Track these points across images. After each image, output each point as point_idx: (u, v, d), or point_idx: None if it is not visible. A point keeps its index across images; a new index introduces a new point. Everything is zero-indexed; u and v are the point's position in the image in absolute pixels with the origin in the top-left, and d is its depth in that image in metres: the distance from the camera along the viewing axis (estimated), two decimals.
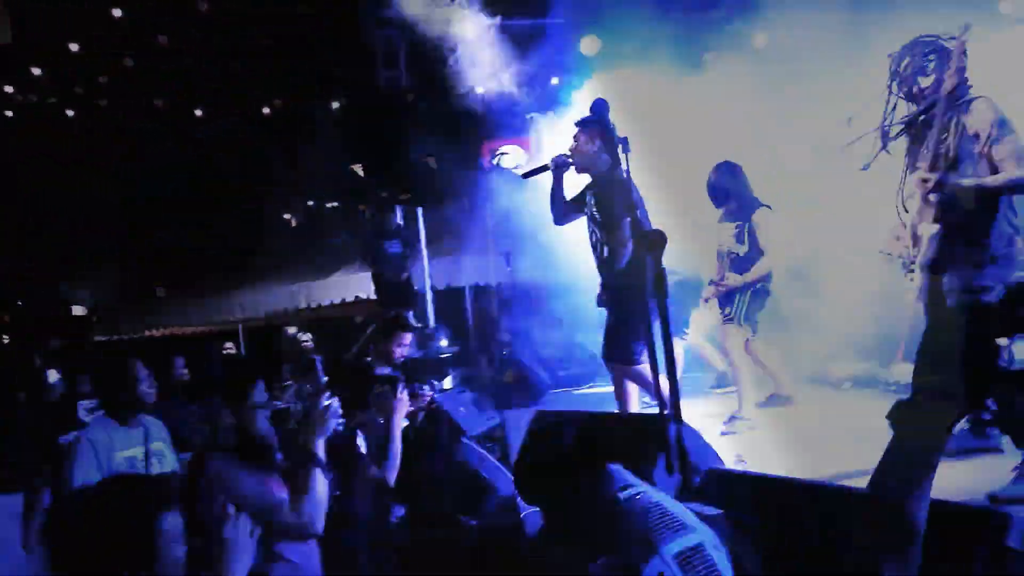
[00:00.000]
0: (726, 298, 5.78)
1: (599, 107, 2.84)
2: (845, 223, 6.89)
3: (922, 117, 3.57)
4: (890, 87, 3.62)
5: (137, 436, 3.84)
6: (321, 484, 2.92)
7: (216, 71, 10.59)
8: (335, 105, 11.75)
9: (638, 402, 4.90)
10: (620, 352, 4.73)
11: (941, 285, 3.40)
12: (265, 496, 2.82)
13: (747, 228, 5.70)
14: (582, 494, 2.13)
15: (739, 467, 3.84)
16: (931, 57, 3.52)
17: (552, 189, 5.03)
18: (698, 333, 7.21)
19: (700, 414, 5.94)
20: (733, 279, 5.70)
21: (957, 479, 3.37)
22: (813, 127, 7.66)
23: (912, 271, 3.66)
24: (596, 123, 4.70)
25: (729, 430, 5.42)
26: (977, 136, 3.36)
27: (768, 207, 5.75)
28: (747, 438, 5.25)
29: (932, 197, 3.44)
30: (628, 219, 4.14)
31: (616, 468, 2.09)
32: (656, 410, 2.87)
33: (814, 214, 7.06)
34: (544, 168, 4.97)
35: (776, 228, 5.74)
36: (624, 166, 2.72)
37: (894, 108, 3.65)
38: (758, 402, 5.82)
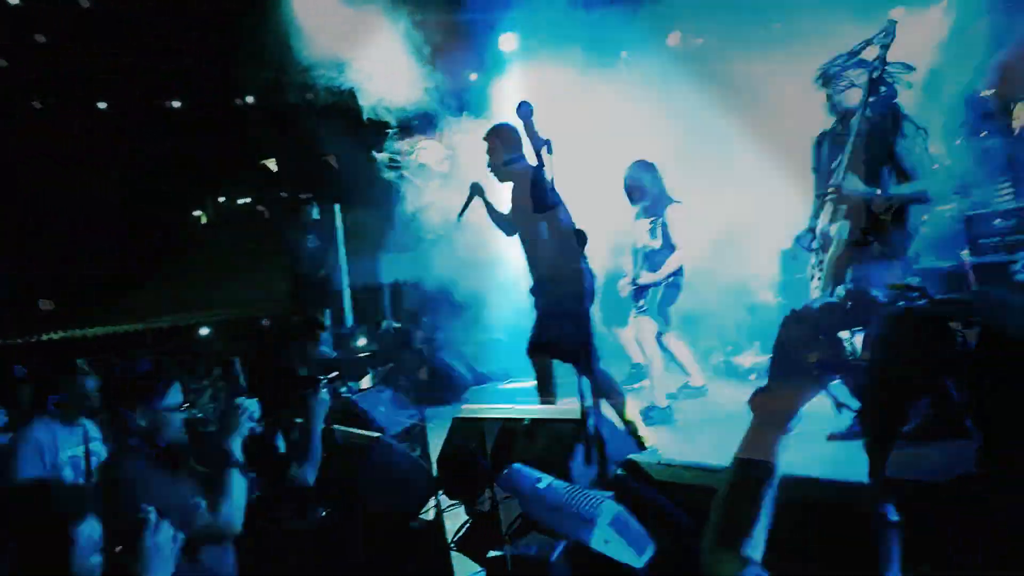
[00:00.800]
0: (639, 292, 5.94)
1: (524, 110, 2.89)
2: (754, 218, 7.19)
3: (840, 127, 3.82)
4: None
5: (78, 436, 3.83)
6: (238, 485, 2.88)
7: (118, 67, 10.19)
8: (241, 102, 11.46)
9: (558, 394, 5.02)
10: (550, 344, 4.84)
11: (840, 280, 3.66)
12: (182, 499, 2.76)
13: (660, 223, 5.88)
14: (500, 491, 2.18)
15: (654, 457, 3.96)
16: (848, 72, 3.78)
17: (488, 211, 5.19)
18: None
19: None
20: (647, 276, 5.86)
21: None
22: (725, 123, 7.97)
23: (821, 270, 3.92)
24: (506, 127, 4.92)
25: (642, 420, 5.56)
26: (889, 143, 3.63)
27: (679, 203, 5.93)
28: (661, 429, 5.41)
29: (842, 203, 3.71)
30: (547, 219, 4.36)
31: (519, 466, 2.17)
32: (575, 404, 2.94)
33: (724, 209, 7.32)
34: (470, 199, 5.11)
35: (687, 223, 5.92)
36: (548, 167, 2.78)
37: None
38: (669, 393, 6.00)
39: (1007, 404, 1.05)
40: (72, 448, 3.84)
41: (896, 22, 3.65)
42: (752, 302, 7.47)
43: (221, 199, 16.37)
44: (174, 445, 2.92)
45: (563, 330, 4.53)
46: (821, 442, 3.98)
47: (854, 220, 3.79)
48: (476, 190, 5.14)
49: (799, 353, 1.47)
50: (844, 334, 1.46)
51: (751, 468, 1.46)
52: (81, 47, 9.61)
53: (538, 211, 4.60)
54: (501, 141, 4.99)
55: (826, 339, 1.44)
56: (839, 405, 1.50)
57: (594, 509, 1.90)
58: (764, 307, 7.33)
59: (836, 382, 1.50)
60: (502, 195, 5.23)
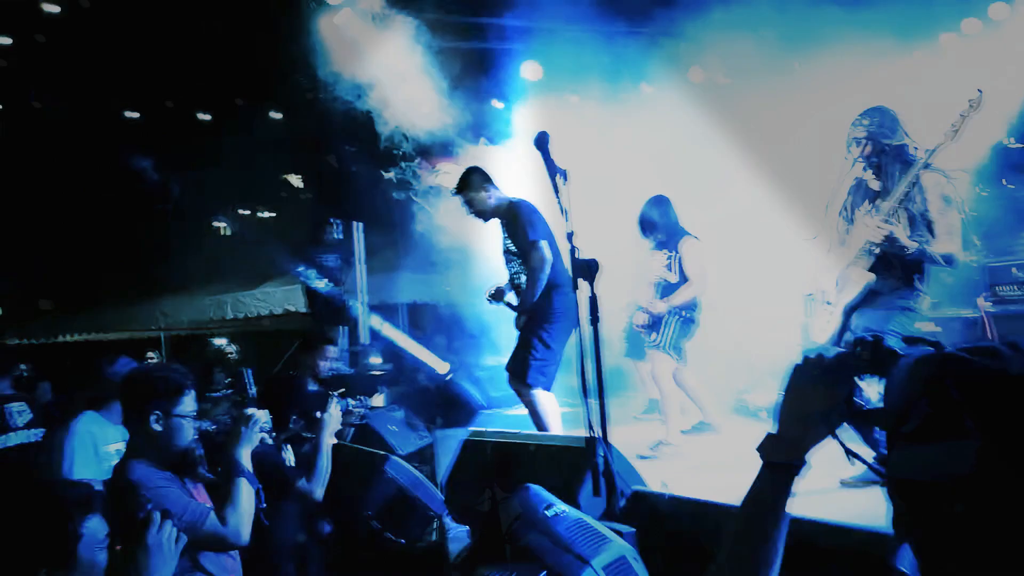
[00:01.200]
0: (654, 325, 5.92)
1: (540, 139, 2.95)
2: (769, 257, 7.19)
3: (877, 180, 3.86)
4: (850, 153, 3.93)
5: (119, 431, 3.87)
6: (247, 495, 2.90)
7: (149, 72, 10.38)
8: (273, 116, 11.64)
9: (557, 422, 5.11)
10: (519, 374, 5.11)
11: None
12: (190, 504, 2.79)
13: (676, 257, 5.88)
14: (508, 513, 2.18)
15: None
16: (878, 124, 3.82)
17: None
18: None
19: (624, 440, 6.07)
20: (659, 305, 5.84)
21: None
22: (746, 159, 8.01)
23: (831, 312, 3.93)
24: (477, 174, 5.38)
25: (654, 455, 5.54)
26: (925, 203, 3.68)
27: (695, 237, 5.94)
28: (672, 464, 5.38)
29: (876, 249, 3.73)
30: (538, 248, 4.92)
31: (536, 488, 2.16)
32: (583, 433, 2.94)
33: (742, 246, 7.32)
34: (502, 303, 5.47)
35: (703, 258, 5.93)
36: (565, 197, 2.82)
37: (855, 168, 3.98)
38: (683, 429, 5.97)
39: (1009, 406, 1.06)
40: (114, 442, 3.95)
41: (982, 93, 3.65)
42: (770, 340, 7.44)
43: (244, 211, 16.55)
44: (186, 451, 2.94)
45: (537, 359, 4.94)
46: (834, 488, 3.97)
47: (877, 268, 3.81)
48: (493, 294, 5.51)
49: (809, 400, 1.48)
50: (858, 382, 1.46)
51: (759, 512, 1.46)
52: (113, 55, 9.80)
53: (522, 241, 5.08)
54: (475, 192, 5.32)
55: (837, 387, 1.45)
56: (849, 453, 1.50)
57: (595, 548, 1.89)
58: (781, 346, 7.30)
59: (846, 430, 1.50)
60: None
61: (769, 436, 1.52)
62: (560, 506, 2.08)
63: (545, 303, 5.02)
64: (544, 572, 2.01)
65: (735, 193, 7.87)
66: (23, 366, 5.65)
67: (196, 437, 3.03)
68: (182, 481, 2.89)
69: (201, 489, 2.99)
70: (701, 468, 5.27)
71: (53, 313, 14.26)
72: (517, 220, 5.10)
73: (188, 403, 2.98)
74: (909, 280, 3.81)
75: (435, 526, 4.14)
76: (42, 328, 13.53)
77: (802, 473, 1.47)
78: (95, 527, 2.26)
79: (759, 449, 1.52)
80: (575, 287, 2.71)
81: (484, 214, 5.36)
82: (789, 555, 1.40)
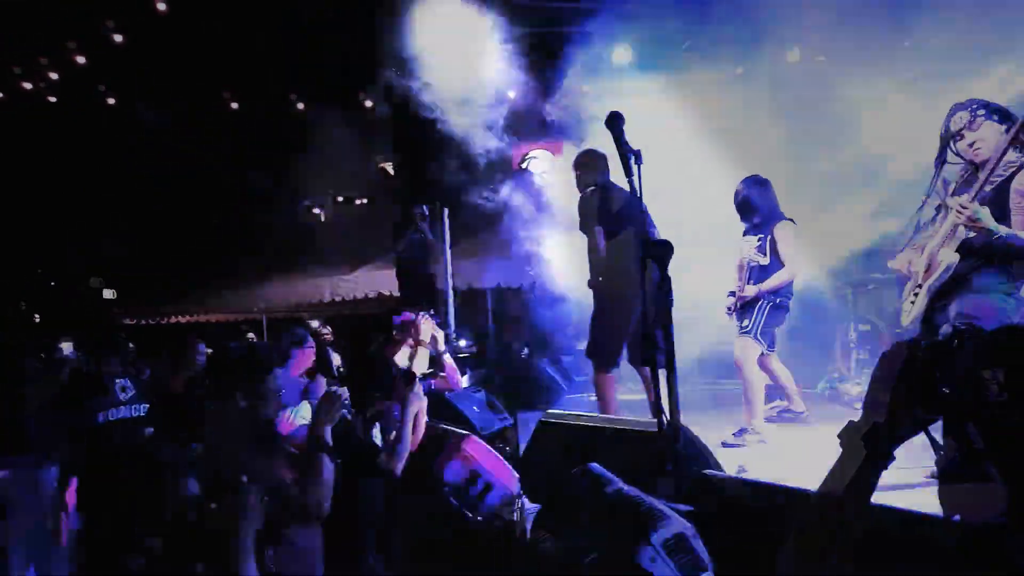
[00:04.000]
0: (745, 311, 5.79)
1: (613, 119, 2.92)
2: (861, 245, 6.92)
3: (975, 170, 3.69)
4: (944, 148, 3.79)
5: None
6: (328, 469, 3.02)
7: (245, 64, 10.82)
8: (368, 104, 11.91)
9: (615, 402, 5.56)
10: (593, 356, 5.48)
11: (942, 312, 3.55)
12: (273, 471, 2.93)
13: (769, 240, 5.73)
14: (571, 490, 2.21)
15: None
16: (981, 114, 3.64)
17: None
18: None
19: (708, 425, 6.04)
20: (751, 289, 5.71)
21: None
22: (842, 144, 7.71)
23: (916, 295, 3.76)
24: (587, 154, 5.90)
25: (737, 443, 5.45)
26: (1021, 194, 3.49)
27: (792, 220, 5.78)
28: (754, 451, 5.29)
29: (963, 230, 3.57)
30: (599, 230, 5.39)
31: (596, 466, 2.18)
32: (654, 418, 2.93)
33: (838, 230, 7.08)
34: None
35: (797, 243, 5.77)
36: (636, 179, 2.80)
37: (943, 163, 3.83)
38: (768, 416, 5.84)
39: None
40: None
41: None
42: (862, 328, 7.19)
43: (340, 198, 17.03)
44: (269, 425, 3.09)
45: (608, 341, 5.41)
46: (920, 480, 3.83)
47: (967, 251, 3.62)
48: None
49: (898, 390, 1.42)
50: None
51: (838, 500, 1.43)
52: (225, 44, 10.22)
53: (588, 223, 5.55)
54: (580, 172, 5.77)
55: (930, 378, 1.37)
56: (937, 448, 1.42)
57: (654, 524, 1.89)
58: (871, 335, 7.05)
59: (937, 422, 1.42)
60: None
61: (850, 424, 1.48)
62: (619, 485, 2.09)
63: None
64: (647, 545, 2.02)
65: (834, 176, 7.59)
66: (131, 345, 6.01)
67: (279, 413, 3.18)
68: (265, 451, 3.03)
69: (282, 462, 3.13)
70: (780, 455, 5.16)
71: (161, 295, 15.06)
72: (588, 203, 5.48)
73: (274, 380, 3.13)
74: (1004, 264, 3.60)
75: (515, 506, 4.21)
76: (152, 310, 14.33)
77: (886, 465, 1.42)
78: (190, 488, 2.47)
79: (839, 436, 1.48)
80: (644, 268, 2.68)
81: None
82: (889, 546, 1.36)
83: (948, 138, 3.81)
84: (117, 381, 4.40)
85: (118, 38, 9.98)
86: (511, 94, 8.69)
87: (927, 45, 6.95)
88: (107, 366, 5.10)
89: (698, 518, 1.99)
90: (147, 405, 4.36)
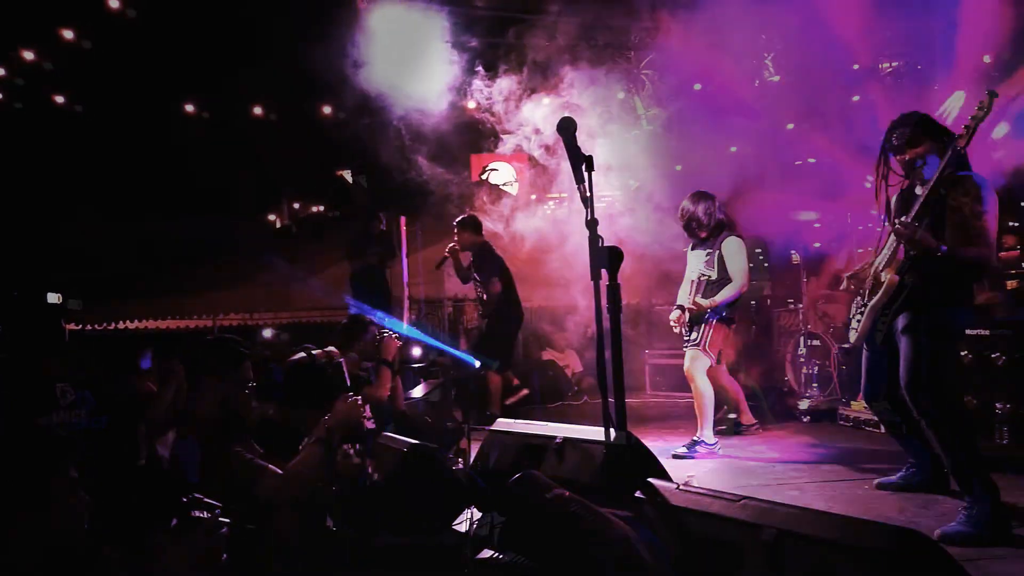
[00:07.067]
0: (694, 324, 5.81)
1: (564, 125, 2.91)
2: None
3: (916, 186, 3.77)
4: (881, 155, 3.87)
5: None
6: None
7: (202, 71, 10.69)
8: (326, 112, 11.80)
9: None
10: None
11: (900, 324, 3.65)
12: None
13: (717, 255, 5.77)
14: (514, 499, 2.20)
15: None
16: (919, 131, 3.73)
17: None
18: None
19: (658, 435, 6.08)
20: (700, 302, 5.74)
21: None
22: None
23: (863, 313, 3.86)
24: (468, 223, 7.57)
25: (687, 454, 5.49)
26: (957, 208, 3.55)
27: (739, 236, 5.83)
28: (703, 463, 5.34)
29: (902, 248, 3.65)
30: (495, 276, 7.38)
31: (534, 474, 2.18)
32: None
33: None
34: None
35: (745, 257, 5.84)
36: (587, 186, 2.79)
37: (885, 179, 3.91)
38: (718, 428, 5.90)
39: None
40: None
41: (995, 95, 3.56)
42: (813, 343, 7.31)
43: (296, 205, 16.87)
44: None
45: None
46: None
47: (905, 270, 3.73)
48: None
49: None
50: None
51: None
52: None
53: (486, 271, 7.40)
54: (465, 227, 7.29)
55: None
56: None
57: (598, 529, 1.89)
58: (821, 350, 7.17)
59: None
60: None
61: None
62: (559, 492, 2.08)
63: None
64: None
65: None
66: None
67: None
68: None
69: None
70: (728, 467, 5.23)
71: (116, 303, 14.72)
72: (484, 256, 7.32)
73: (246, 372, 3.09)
74: (946, 281, 3.65)
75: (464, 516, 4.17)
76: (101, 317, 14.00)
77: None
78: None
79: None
80: (596, 276, 2.67)
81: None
82: None
83: (887, 153, 3.89)
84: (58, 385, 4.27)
85: (68, 35, 9.78)
86: (470, 104, 8.69)
87: None
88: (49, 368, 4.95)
89: (640, 525, 1.99)
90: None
